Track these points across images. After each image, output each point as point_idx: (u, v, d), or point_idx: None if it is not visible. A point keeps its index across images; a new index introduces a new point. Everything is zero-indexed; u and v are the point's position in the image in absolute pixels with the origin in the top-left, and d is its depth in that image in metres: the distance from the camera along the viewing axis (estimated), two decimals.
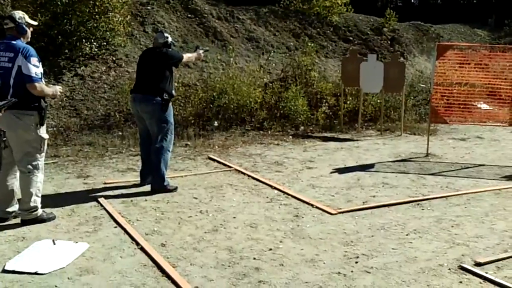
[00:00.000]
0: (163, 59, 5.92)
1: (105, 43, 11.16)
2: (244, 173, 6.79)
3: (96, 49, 10.88)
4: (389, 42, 15.91)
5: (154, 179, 5.90)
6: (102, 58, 10.92)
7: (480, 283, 3.78)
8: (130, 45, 11.58)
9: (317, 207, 5.44)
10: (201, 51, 6.54)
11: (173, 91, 6.05)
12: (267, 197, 5.79)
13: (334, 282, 3.74)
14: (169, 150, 6.00)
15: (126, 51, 11.34)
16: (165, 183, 5.90)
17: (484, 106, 10.48)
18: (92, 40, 10.88)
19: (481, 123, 9.49)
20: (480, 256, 4.23)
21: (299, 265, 4.04)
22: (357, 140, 9.51)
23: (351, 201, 5.72)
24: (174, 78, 6.32)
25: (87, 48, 10.72)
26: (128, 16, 11.75)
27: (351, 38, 15.40)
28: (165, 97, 5.79)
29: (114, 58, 11.07)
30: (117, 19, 11.05)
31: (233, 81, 10.42)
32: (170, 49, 6.05)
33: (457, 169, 7.33)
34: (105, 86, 10.35)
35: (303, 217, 5.14)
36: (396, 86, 10.13)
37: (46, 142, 4.84)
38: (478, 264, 4.09)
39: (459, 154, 8.41)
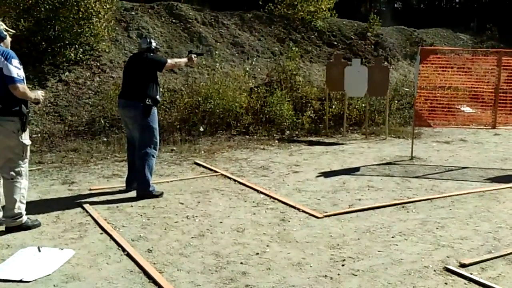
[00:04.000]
0: (145, 64, 5.89)
1: (89, 49, 11.12)
2: (230, 178, 6.79)
3: (80, 55, 10.83)
4: (373, 46, 16.04)
5: (139, 185, 5.89)
6: (86, 64, 10.87)
7: (465, 284, 3.82)
8: (115, 50, 11.54)
9: (303, 211, 5.45)
10: (193, 56, 6.39)
11: (158, 96, 5.97)
12: (253, 202, 5.79)
13: (320, 285, 3.75)
14: (153, 156, 5.94)
15: (110, 57, 11.30)
16: (150, 189, 5.87)
17: (467, 109, 10.62)
18: (76, 46, 10.84)
19: (464, 126, 9.63)
20: (465, 258, 4.27)
21: (286, 269, 4.05)
22: (342, 144, 9.56)
23: (337, 205, 5.75)
24: (159, 83, 6.28)
25: (71, 54, 10.67)
26: (112, 21, 11.72)
27: (335, 43, 15.49)
28: (147, 102, 5.75)
29: (98, 64, 11.02)
30: (101, 24, 11.01)
31: (219, 86, 10.44)
32: (153, 54, 6.02)
33: (441, 172, 7.41)
34: (90, 91, 10.29)
35: (289, 221, 5.16)
36: (380, 90, 10.21)
37: (28, 148, 4.79)
38: (463, 266, 4.13)
39: (443, 157, 8.49)
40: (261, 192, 6.14)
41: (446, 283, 3.82)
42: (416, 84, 8.58)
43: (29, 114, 4.78)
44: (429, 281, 3.86)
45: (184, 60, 6.40)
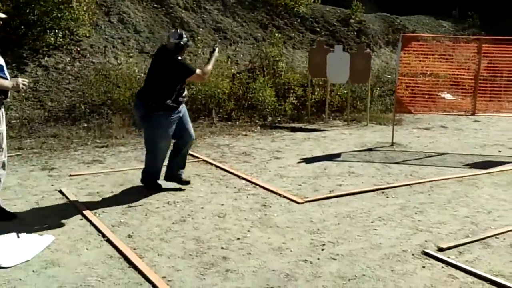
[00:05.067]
0: (168, 67, 5.24)
1: (69, 33, 10.94)
2: (212, 164, 6.79)
3: (60, 40, 10.66)
4: (355, 33, 16.06)
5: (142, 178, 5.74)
6: (66, 49, 10.71)
7: (442, 267, 3.89)
8: (95, 35, 11.39)
9: (284, 197, 5.48)
10: (215, 51, 5.79)
11: (169, 101, 5.28)
12: (235, 187, 5.80)
13: (300, 270, 3.78)
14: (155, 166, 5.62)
15: (91, 42, 11.15)
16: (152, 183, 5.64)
17: (448, 96, 10.73)
18: (56, 30, 10.66)
19: (445, 113, 9.72)
20: (443, 242, 4.34)
21: (266, 253, 4.07)
22: (324, 130, 9.60)
23: (318, 190, 5.78)
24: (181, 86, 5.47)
25: (51, 39, 10.50)
26: (93, 6, 11.54)
27: (318, 29, 15.48)
28: (153, 105, 5.27)
29: (78, 49, 10.87)
30: (81, 8, 10.85)
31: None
32: (181, 59, 5.32)
33: (421, 158, 7.49)
34: (70, 77, 10.16)
35: (270, 207, 5.18)
36: (362, 77, 10.25)
37: (4, 136, 4.63)
38: (440, 250, 4.20)
39: (423, 143, 8.58)
40: (243, 178, 6.15)
41: (424, 267, 3.88)
42: (397, 71, 8.62)
43: (5, 102, 4.64)
44: (407, 264, 3.92)
45: (212, 62, 5.69)
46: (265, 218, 4.84)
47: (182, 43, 5.27)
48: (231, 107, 10.14)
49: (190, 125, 5.67)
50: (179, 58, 5.29)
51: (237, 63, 12.44)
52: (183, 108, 5.56)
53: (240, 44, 13.41)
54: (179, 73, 5.29)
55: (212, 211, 5.01)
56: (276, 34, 12.87)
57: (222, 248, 4.16)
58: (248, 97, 10.41)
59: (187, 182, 5.81)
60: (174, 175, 5.74)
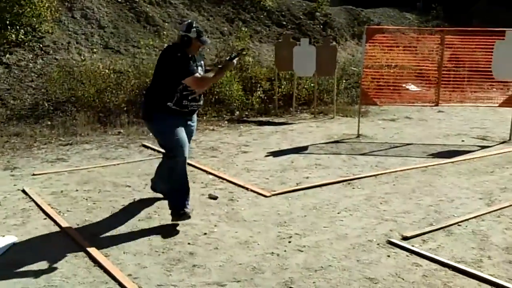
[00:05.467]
0: (164, 65, 4.47)
1: (31, 30, 10.69)
2: None
3: (22, 36, 10.40)
4: (321, 26, 16.14)
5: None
6: (28, 46, 10.47)
7: (407, 256, 3.96)
8: (58, 31, 11.15)
9: (251, 190, 5.49)
10: (234, 59, 4.70)
11: (171, 103, 4.45)
12: (202, 183, 5.78)
13: (267, 262, 3.80)
14: (172, 168, 4.58)
15: (53, 38, 10.92)
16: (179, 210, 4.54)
17: (412, 87, 10.90)
18: (18, 27, 10.40)
19: (409, 104, 9.86)
20: (407, 231, 4.42)
21: (233, 247, 4.08)
22: (291, 123, 9.63)
23: (285, 183, 5.81)
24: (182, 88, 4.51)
25: (12, 35, 10.24)
26: (55, 1, 11.30)
27: (284, 23, 15.49)
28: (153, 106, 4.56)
29: (41, 45, 10.63)
30: (43, 4, 10.61)
31: None
32: (180, 56, 4.37)
33: (386, 149, 7.59)
34: (33, 74, 9.94)
35: (238, 201, 5.18)
36: (328, 70, 10.31)
37: None
38: (405, 238, 4.28)
39: (389, 134, 8.70)
40: (210, 173, 6.13)
41: (388, 256, 3.95)
42: (362, 63, 8.71)
43: None
44: (372, 254, 3.97)
45: (220, 73, 4.76)
46: (232, 213, 4.84)
47: (189, 36, 4.40)
48: None
49: (189, 142, 4.80)
50: (179, 54, 4.36)
51: (204, 57, 12.36)
52: (194, 119, 4.85)
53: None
54: (174, 71, 4.35)
55: None
56: (243, 28, 12.84)
57: (189, 243, 4.15)
58: (215, 92, 10.36)
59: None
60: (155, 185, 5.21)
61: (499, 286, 3.51)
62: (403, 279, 3.58)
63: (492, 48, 8.33)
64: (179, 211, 4.45)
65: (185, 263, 3.79)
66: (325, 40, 11.09)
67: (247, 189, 5.54)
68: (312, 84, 11.07)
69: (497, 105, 8.95)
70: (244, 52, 4.39)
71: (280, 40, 11.54)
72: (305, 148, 7.61)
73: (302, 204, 5.10)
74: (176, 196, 4.54)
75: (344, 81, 12.40)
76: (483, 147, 7.75)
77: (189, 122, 4.73)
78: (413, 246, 4.10)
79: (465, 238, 4.32)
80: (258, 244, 4.13)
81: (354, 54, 15.51)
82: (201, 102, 4.76)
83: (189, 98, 4.50)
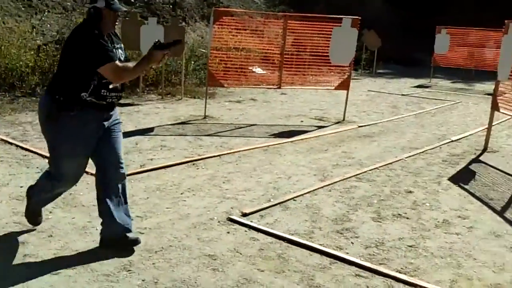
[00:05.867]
0: (72, 50, 3.43)
1: None
2: (11, 143, 6.25)
3: None
4: (171, 6, 15.95)
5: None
6: None
7: (245, 231, 4.11)
8: None
9: (91, 174, 5.26)
10: (164, 50, 3.62)
11: (85, 94, 3.44)
12: (37, 167, 5.42)
13: (104, 249, 3.69)
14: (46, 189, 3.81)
15: None
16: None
17: (258, 70, 11.26)
18: None
19: (255, 86, 10.19)
20: (247, 207, 4.58)
21: (69, 234, 3.90)
22: (138, 104, 9.43)
23: (128, 166, 5.64)
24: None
25: None
26: None
27: (133, 1, 15.04)
28: (60, 99, 3.45)
29: None
30: None
31: (1, 42, 9.44)
32: (93, 41, 3.35)
33: (231, 129, 7.78)
34: None
35: (76, 185, 4.94)
36: (176, 51, 10.21)
37: None
38: (244, 215, 4.44)
39: (234, 116, 8.92)
40: (46, 157, 5.77)
41: (228, 232, 4.06)
42: (210, 45, 8.78)
43: None
44: (213, 231, 4.06)
45: (143, 64, 3.61)
46: (69, 198, 4.62)
47: (96, 6, 3.40)
48: (36, 81, 9.40)
49: (120, 149, 3.79)
50: (94, 33, 3.36)
51: (44, 34, 11.55)
52: (114, 114, 3.76)
53: (46, 13, 12.45)
54: (87, 56, 3.34)
55: (9, 194, 4.62)
56: (87, 4, 12.18)
57: (20, 233, 3.87)
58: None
59: (134, 242, 3.71)
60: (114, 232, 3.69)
61: (327, 254, 3.80)
62: (240, 254, 3.71)
63: (331, 34, 8.90)
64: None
65: (16, 253, 3.54)
66: (173, 20, 10.98)
67: (87, 173, 5.29)
68: (160, 65, 10.90)
69: (333, 88, 9.61)
70: (180, 44, 3.69)
71: (127, 18, 11.18)
72: (151, 129, 7.50)
73: (145, 186, 5.03)
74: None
75: (192, 62, 12.43)
76: (319, 127, 8.29)
77: (106, 123, 3.62)
78: (251, 221, 4.26)
79: (299, 212, 4.59)
80: (96, 229, 3.98)
81: (204, 36, 15.58)
82: (122, 93, 3.77)
83: (109, 86, 3.47)
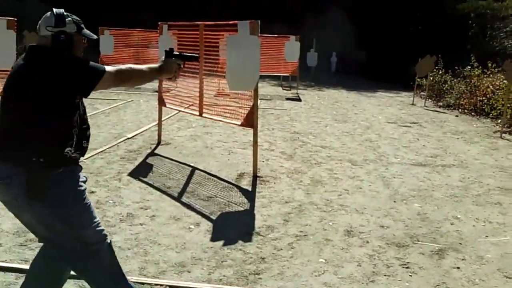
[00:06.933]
0: (55, 78, 2.48)
1: None
2: None
3: None
4: None
5: None
6: None
7: None
8: None
9: None
10: (179, 61, 3.02)
11: (69, 149, 2.58)
12: None
13: None
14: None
15: None
16: None
17: None
18: None
19: None
20: None
21: None
22: None
23: None
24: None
25: None
26: None
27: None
28: (40, 160, 2.47)
29: None
30: None
31: None
32: (72, 59, 2.60)
33: None
34: None
35: None
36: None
37: None
38: None
39: None
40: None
41: None
42: None
43: None
44: None
45: (155, 67, 2.93)
46: None
47: (66, 31, 2.61)
48: None
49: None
50: (66, 56, 2.59)
51: None
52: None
53: None
54: (76, 79, 2.52)
55: None
56: None
57: None
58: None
59: None
60: None
61: (13, 269, 3.56)
62: None
63: None
64: None
65: None
66: None
67: None
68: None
69: None
70: (197, 61, 2.73)
71: None
72: None
73: None
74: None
75: None
76: None
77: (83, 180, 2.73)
78: None
79: None
80: None
81: None
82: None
83: (88, 134, 2.74)
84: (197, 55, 3.44)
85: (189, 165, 6.76)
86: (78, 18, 2.71)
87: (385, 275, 3.81)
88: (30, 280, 2.85)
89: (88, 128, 2.73)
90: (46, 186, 2.45)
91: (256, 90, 6.15)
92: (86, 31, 2.74)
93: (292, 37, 15.93)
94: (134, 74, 2.81)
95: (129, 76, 2.79)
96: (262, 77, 11.77)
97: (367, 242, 4.43)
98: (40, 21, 2.62)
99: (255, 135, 6.35)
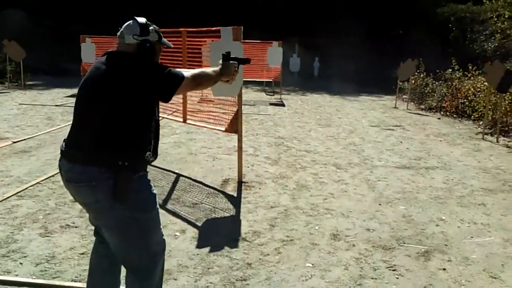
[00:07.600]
0: (141, 84, 2.60)
1: None
2: None
3: None
4: None
5: None
6: None
7: None
8: None
9: None
10: (235, 64, 3.19)
11: (148, 153, 2.70)
12: None
13: None
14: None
15: None
16: None
17: None
18: None
19: None
20: None
21: None
22: None
23: None
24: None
25: None
26: None
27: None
28: (125, 164, 2.55)
29: None
30: None
31: None
32: (156, 66, 2.74)
33: None
34: None
35: None
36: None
37: None
38: None
39: None
40: None
41: None
42: None
43: None
44: None
45: (218, 70, 3.09)
46: None
47: (149, 40, 2.77)
48: None
49: None
50: (152, 63, 2.77)
51: None
52: None
53: None
54: (159, 85, 2.66)
55: None
56: None
57: None
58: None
59: None
60: None
61: None
62: None
63: None
64: None
65: None
66: None
67: None
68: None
69: None
70: (248, 63, 2.79)
71: None
72: None
73: None
74: None
75: None
76: None
77: None
78: None
79: None
80: None
81: None
82: None
83: (159, 137, 2.87)
84: (249, 58, 3.56)
85: (173, 172, 6.72)
86: (157, 28, 2.86)
87: (372, 278, 3.81)
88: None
89: (158, 129, 2.82)
90: (129, 190, 2.53)
91: (240, 96, 6.15)
92: (165, 40, 2.90)
93: (275, 42, 16.00)
94: (205, 78, 2.95)
95: (202, 80, 2.92)
96: (245, 83, 11.79)
97: (354, 245, 4.43)
98: (122, 29, 2.79)
99: (239, 140, 6.34)
